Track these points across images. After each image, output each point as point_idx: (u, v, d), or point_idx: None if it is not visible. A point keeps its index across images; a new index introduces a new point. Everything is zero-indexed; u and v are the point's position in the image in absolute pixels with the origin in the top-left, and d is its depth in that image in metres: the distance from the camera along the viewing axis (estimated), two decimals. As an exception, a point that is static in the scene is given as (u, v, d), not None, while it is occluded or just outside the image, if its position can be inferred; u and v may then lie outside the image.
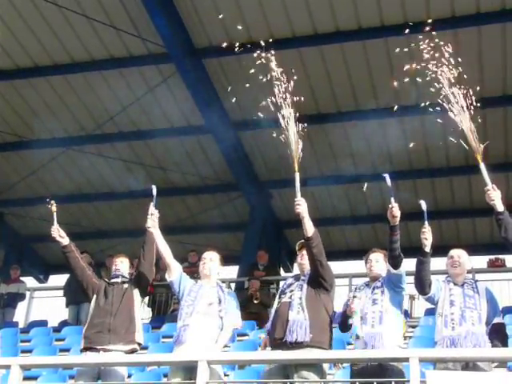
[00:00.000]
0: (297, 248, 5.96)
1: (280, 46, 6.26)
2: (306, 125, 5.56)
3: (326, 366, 5.49)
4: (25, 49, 12.34)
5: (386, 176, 5.50)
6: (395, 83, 6.38)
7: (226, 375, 6.96)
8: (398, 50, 6.55)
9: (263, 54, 5.79)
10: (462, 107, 5.33)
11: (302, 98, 5.75)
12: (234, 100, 9.01)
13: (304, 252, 5.79)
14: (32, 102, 13.25)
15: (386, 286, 5.60)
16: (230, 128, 12.84)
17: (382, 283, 5.63)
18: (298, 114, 5.61)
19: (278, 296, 5.84)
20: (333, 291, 5.70)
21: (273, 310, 5.82)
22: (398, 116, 11.57)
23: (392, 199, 5.47)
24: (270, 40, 6.47)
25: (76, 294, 12.07)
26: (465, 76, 5.47)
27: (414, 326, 10.36)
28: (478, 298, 5.46)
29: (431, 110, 5.60)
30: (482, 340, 5.25)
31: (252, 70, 6.03)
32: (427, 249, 5.44)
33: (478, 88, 5.48)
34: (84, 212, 15.58)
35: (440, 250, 6.01)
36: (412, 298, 12.32)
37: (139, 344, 6.15)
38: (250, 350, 8.73)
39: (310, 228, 5.55)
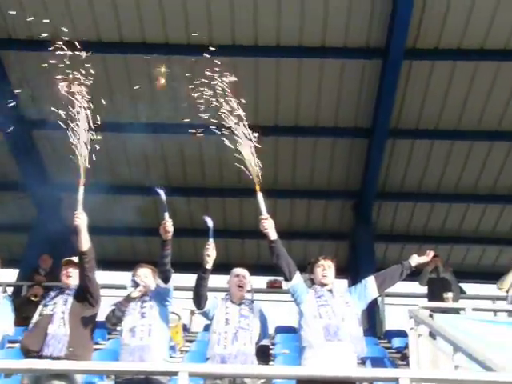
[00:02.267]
0: (62, 263, 5.89)
1: (84, 48, 6.15)
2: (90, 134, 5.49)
3: (79, 377, 5.42)
4: None
5: (161, 191, 5.54)
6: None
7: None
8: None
9: (69, 53, 5.65)
10: (244, 135, 5.52)
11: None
12: (29, 97, 8.66)
13: (70, 269, 5.77)
14: None
15: (154, 300, 5.70)
16: (23, 125, 12.29)
17: (151, 297, 5.72)
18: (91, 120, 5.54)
19: (40, 309, 5.71)
20: (98, 306, 5.69)
21: (32, 322, 5.67)
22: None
23: (166, 214, 5.53)
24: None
25: None
26: (244, 102, 5.64)
27: (191, 341, 10.53)
28: (252, 319, 5.67)
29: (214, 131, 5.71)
30: (251, 360, 5.46)
31: (50, 69, 5.85)
32: (208, 266, 5.56)
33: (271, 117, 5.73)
34: None
35: (224, 267, 6.16)
36: (192, 312, 12.53)
37: None
38: (19, 357, 8.35)
39: (85, 242, 5.54)
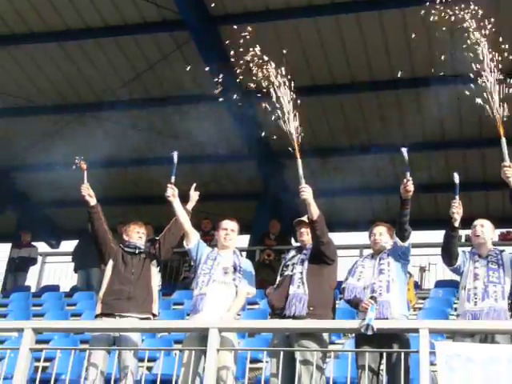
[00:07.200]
0: (294, 224, 6.03)
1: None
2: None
3: (326, 335, 5.55)
4: (20, 15, 12.05)
5: (404, 150, 5.47)
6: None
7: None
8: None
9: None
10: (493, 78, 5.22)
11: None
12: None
13: (303, 229, 5.90)
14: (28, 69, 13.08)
15: (392, 258, 5.69)
16: (244, 99, 12.69)
17: (388, 254, 5.72)
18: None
19: (280, 269, 5.94)
20: (335, 263, 5.80)
21: (276, 283, 5.89)
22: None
23: (407, 174, 5.46)
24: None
25: (86, 259, 12.18)
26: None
27: (423, 298, 10.39)
28: (502, 271, 5.45)
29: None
30: (504, 316, 5.27)
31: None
32: (456, 223, 5.46)
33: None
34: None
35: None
36: (422, 269, 12.35)
37: (154, 315, 6.20)
38: (260, 318, 8.78)
39: (315, 212, 5.62)
